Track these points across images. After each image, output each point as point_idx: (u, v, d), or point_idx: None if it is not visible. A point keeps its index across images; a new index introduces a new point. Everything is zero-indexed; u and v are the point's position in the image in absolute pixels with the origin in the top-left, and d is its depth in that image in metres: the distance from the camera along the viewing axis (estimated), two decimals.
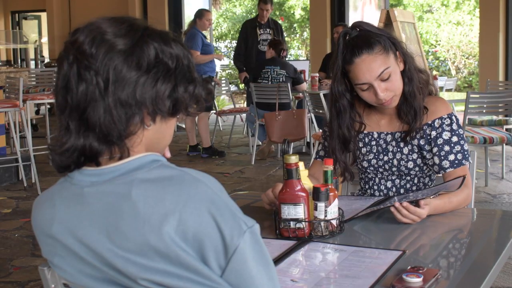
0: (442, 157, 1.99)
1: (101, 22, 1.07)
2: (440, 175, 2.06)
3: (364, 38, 1.93)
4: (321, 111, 6.16)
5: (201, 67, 6.92)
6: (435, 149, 2.00)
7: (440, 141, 2.00)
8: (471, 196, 1.99)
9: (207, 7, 10.86)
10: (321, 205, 1.60)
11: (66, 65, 1.05)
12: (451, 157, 1.99)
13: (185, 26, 10.16)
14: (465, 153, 2.00)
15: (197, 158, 7.01)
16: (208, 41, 7.63)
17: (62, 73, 1.05)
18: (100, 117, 1.02)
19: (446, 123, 2.01)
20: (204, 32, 7.30)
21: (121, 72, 1.03)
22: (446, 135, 2.00)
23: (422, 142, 2.03)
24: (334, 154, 2.05)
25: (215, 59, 7.58)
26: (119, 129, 1.03)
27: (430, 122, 2.02)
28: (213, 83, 7.20)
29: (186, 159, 6.95)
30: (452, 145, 1.99)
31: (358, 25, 1.97)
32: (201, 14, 7.23)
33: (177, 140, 8.23)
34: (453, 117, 2.02)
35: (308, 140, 6.86)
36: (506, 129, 5.81)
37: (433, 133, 2.01)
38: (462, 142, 2.00)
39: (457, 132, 2.00)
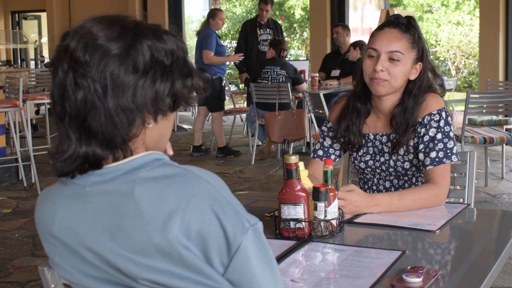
0: (426, 154, 1.99)
1: (91, 25, 1.05)
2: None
3: (406, 23, 2.01)
4: (321, 111, 6.16)
5: (212, 68, 6.86)
6: (421, 146, 2.00)
7: (426, 138, 1.99)
8: (442, 196, 1.94)
9: (207, 7, 10.86)
10: (321, 205, 1.60)
11: (61, 73, 1.03)
12: (433, 154, 1.97)
13: (185, 26, 10.15)
14: (448, 151, 1.97)
15: (197, 158, 7.01)
16: (222, 41, 7.57)
17: (58, 81, 1.04)
18: (102, 124, 1.02)
19: (434, 119, 1.99)
20: (217, 32, 7.25)
21: (118, 77, 1.01)
22: (432, 131, 1.99)
23: (416, 140, 2.03)
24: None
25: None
26: (122, 133, 1.03)
27: (420, 120, 2.01)
28: (223, 84, 7.16)
29: (186, 159, 6.94)
30: (436, 142, 1.98)
31: (411, 18, 2.04)
32: (214, 14, 7.19)
33: (177, 140, 8.22)
34: (443, 113, 2.00)
35: (308, 140, 6.85)
36: (506, 129, 5.81)
37: (422, 130, 2.00)
38: (446, 140, 1.98)
39: (443, 129, 1.98)
